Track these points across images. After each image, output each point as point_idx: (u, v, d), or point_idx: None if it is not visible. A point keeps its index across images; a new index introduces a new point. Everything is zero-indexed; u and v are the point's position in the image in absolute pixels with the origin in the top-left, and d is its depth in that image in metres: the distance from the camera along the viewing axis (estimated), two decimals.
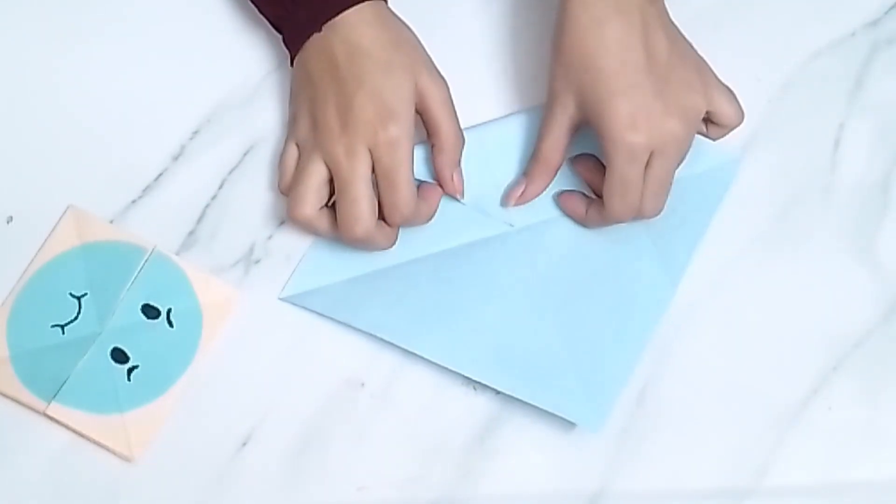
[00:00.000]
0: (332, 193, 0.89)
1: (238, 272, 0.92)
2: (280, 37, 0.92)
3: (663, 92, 0.87)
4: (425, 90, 0.89)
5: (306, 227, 0.90)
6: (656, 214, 0.90)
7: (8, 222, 0.92)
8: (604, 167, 0.89)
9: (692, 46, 0.91)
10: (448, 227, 0.93)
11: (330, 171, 0.88)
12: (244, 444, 0.90)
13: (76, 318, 0.90)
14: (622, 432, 0.91)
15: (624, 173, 0.87)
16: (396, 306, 0.91)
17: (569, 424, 0.89)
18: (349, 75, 0.88)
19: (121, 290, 0.91)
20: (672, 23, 0.90)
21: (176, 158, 0.94)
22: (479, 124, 0.95)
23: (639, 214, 0.90)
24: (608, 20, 0.87)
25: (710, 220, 0.94)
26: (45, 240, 0.91)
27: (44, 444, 0.89)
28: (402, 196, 0.88)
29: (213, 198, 0.93)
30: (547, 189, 0.93)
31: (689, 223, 0.94)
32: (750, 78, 0.96)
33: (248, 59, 0.96)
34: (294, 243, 0.93)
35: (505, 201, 0.93)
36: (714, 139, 0.93)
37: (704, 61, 0.91)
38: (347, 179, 0.87)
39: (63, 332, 0.90)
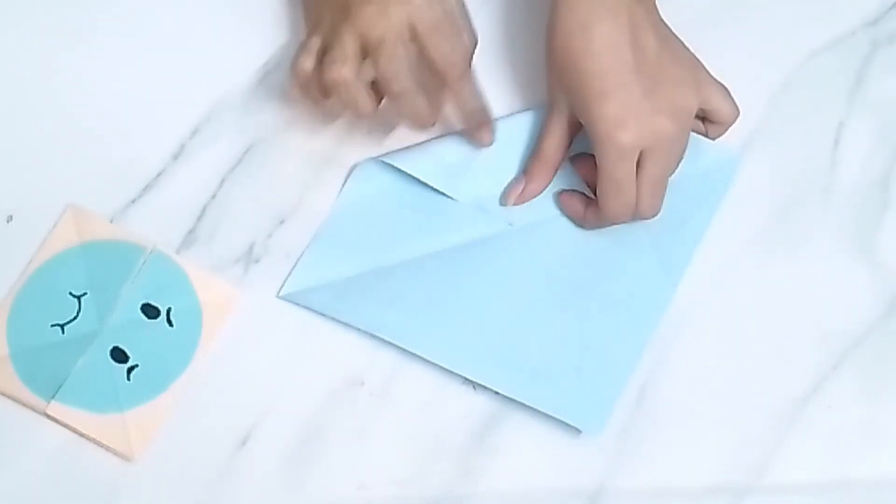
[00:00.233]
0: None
1: (238, 271, 0.92)
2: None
3: (653, 91, 0.87)
4: None
5: (297, 84, 0.89)
6: (654, 215, 0.90)
7: (8, 221, 0.92)
8: None
9: (684, 45, 0.91)
10: (448, 225, 0.93)
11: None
12: (244, 444, 0.89)
13: (76, 316, 0.90)
14: (622, 431, 0.90)
15: (614, 173, 0.88)
16: (396, 305, 0.91)
17: (569, 424, 0.89)
18: None
19: (120, 289, 0.91)
20: (662, 22, 0.90)
21: (176, 157, 0.94)
22: None
23: (636, 215, 0.90)
24: (595, 22, 0.87)
25: (710, 220, 0.94)
26: (45, 239, 0.91)
27: (43, 444, 0.89)
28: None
29: (213, 197, 0.94)
30: (547, 188, 0.94)
31: (689, 223, 0.94)
32: (750, 77, 0.96)
33: (247, 58, 0.96)
34: (294, 242, 0.93)
35: (504, 199, 0.94)
36: (713, 138, 0.93)
37: (697, 60, 0.91)
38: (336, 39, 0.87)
39: (63, 331, 0.90)
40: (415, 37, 0.87)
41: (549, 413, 0.89)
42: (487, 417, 0.90)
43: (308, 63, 0.88)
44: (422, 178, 0.93)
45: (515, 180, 0.94)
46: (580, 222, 0.93)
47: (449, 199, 0.93)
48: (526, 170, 0.93)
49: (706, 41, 0.92)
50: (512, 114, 0.96)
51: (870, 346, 0.93)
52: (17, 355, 0.89)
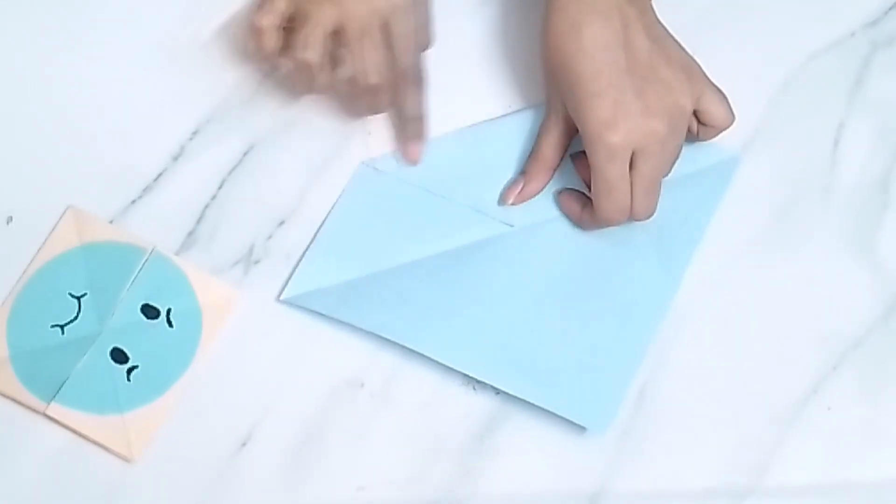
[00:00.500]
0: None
1: (238, 272, 0.92)
2: None
3: (644, 91, 0.87)
4: None
5: (256, 39, 0.90)
6: (648, 216, 0.90)
7: (8, 222, 0.92)
8: None
9: (680, 46, 0.90)
10: (447, 228, 0.93)
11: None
12: (244, 444, 0.90)
13: (76, 318, 0.90)
14: (622, 432, 0.91)
15: (605, 173, 0.88)
16: (398, 306, 0.91)
17: (568, 423, 0.89)
18: None
19: (120, 291, 0.91)
20: (658, 23, 0.90)
21: (176, 158, 0.94)
22: (478, 124, 0.95)
23: (631, 216, 0.90)
24: (586, 23, 0.87)
25: (709, 220, 0.94)
26: (45, 240, 0.91)
27: (43, 444, 0.89)
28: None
29: (213, 198, 0.94)
30: (547, 188, 0.93)
31: (689, 223, 0.94)
32: (750, 78, 0.96)
33: (248, 59, 0.96)
34: (293, 243, 0.93)
35: (503, 198, 0.93)
36: (704, 140, 0.93)
37: (694, 61, 0.90)
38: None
39: (63, 333, 0.90)
40: (386, 33, 0.89)
41: (554, 411, 0.89)
42: (487, 419, 0.91)
43: (267, 21, 0.89)
44: (419, 185, 0.93)
45: (514, 180, 0.94)
46: (577, 223, 0.93)
47: (448, 201, 0.93)
48: (524, 170, 0.93)
49: (706, 41, 0.93)
50: (511, 114, 0.96)
51: (870, 347, 0.93)
52: (17, 356, 0.89)
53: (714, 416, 0.91)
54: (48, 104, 0.94)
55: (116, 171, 0.93)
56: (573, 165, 0.94)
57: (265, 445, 0.90)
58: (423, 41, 0.91)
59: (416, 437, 0.90)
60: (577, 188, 0.93)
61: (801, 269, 0.94)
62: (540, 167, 0.93)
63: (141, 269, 0.91)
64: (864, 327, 0.93)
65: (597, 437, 0.90)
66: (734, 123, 0.91)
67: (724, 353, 0.92)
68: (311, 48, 0.88)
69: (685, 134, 0.90)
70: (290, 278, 0.92)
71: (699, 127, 0.92)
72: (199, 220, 0.93)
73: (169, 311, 0.91)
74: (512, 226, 0.93)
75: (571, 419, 0.89)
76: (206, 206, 0.93)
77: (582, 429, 0.90)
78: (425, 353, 0.89)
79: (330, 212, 0.93)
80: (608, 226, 0.91)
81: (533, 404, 0.89)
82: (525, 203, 0.93)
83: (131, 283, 0.91)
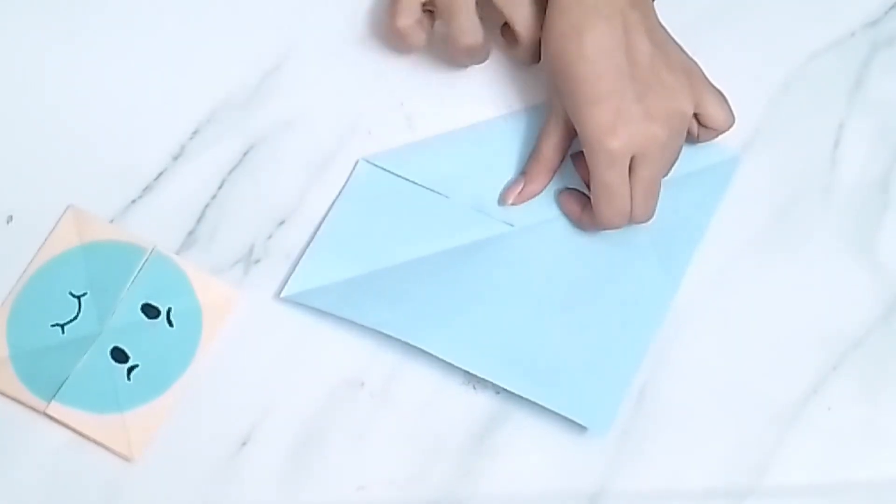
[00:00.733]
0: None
1: (238, 272, 0.92)
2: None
3: (645, 96, 0.87)
4: None
5: (402, 39, 0.91)
6: (648, 219, 0.90)
7: (8, 222, 0.92)
8: None
9: (682, 50, 0.90)
10: (447, 227, 0.93)
11: None
12: (244, 444, 0.90)
13: (76, 317, 0.90)
14: (622, 432, 0.91)
15: (605, 178, 0.88)
16: (398, 303, 0.91)
17: (568, 424, 0.89)
18: None
19: (121, 290, 0.91)
20: (659, 26, 0.90)
21: (176, 158, 0.94)
22: (479, 123, 0.95)
23: (631, 220, 0.90)
24: (588, 27, 0.87)
25: (709, 220, 0.94)
26: (45, 239, 0.91)
27: (43, 444, 0.89)
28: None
29: (213, 198, 0.94)
30: (547, 188, 0.94)
31: (689, 223, 0.94)
32: (750, 78, 0.96)
33: (248, 58, 0.96)
34: (294, 243, 0.93)
35: (503, 198, 0.93)
36: (703, 142, 0.93)
37: (695, 64, 0.90)
38: None
39: (63, 332, 0.90)
40: None
41: (555, 410, 0.89)
42: (488, 418, 0.91)
43: (404, 21, 0.90)
44: (420, 183, 0.93)
45: (514, 180, 0.94)
46: (577, 224, 0.93)
47: (449, 200, 0.93)
48: (525, 171, 0.93)
49: (706, 42, 0.92)
50: (511, 114, 0.96)
51: (870, 347, 0.93)
52: (17, 356, 0.89)
53: (714, 416, 0.91)
54: (48, 104, 0.94)
55: (116, 171, 0.93)
56: (573, 165, 0.94)
57: (265, 445, 0.90)
58: None
59: (416, 436, 0.90)
60: (577, 188, 0.94)
61: (801, 270, 0.94)
62: (540, 168, 0.93)
63: (141, 268, 0.91)
64: (864, 327, 0.93)
65: (597, 437, 0.90)
66: (734, 124, 0.91)
67: (724, 353, 0.92)
68: (470, 32, 0.90)
69: (685, 137, 0.90)
70: (289, 276, 0.92)
71: (699, 129, 0.92)
72: (199, 220, 0.93)
73: (169, 311, 0.91)
74: (512, 225, 0.94)
75: (572, 418, 0.89)
76: (207, 206, 0.93)
77: (582, 429, 0.90)
78: (426, 349, 0.89)
79: (330, 208, 0.93)
80: (608, 229, 0.91)
81: (533, 404, 0.89)
82: (525, 203, 0.93)
83: (131, 283, 0.91)
